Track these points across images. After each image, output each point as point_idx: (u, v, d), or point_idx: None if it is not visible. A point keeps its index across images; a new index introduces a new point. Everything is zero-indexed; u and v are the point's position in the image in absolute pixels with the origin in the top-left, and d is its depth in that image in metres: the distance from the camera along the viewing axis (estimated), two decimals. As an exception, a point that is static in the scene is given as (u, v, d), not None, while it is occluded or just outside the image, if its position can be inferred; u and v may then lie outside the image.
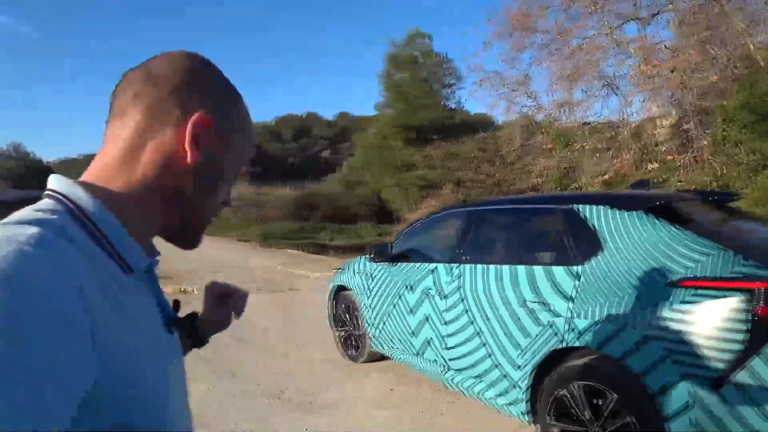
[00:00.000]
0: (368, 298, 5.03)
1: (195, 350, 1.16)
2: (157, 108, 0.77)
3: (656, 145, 13.36)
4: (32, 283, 0.53)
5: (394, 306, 4.58)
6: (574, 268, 3.05)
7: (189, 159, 0.78)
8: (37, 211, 0.66)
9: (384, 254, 4.91)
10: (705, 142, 11.74)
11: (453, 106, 25.50)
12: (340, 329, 5.74)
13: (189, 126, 0.78)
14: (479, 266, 3.71)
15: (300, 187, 31.93)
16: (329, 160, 52.65)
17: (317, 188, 30.97)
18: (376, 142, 25.17)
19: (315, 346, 6.21)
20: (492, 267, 3.60)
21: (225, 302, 1.19)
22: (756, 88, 10.41)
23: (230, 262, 14.44)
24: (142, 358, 0.67)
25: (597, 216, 3.09)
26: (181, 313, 0.97)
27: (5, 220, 0.63)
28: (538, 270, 3.26)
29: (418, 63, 24.65)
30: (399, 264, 4.71)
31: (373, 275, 5.03)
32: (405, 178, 22.47)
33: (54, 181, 0.73)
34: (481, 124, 24.99)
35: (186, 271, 11.31)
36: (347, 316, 5.57)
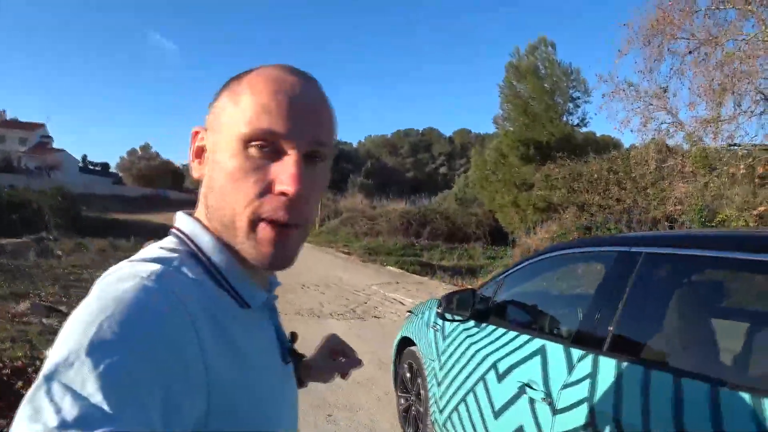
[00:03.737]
0: (438, 366, 3.46)
1: None
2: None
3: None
4: (148, 314, 0.62)
5: (472, 392, 2.96)
6: None
7: (194, 174, 0.83)
8: (161, 248, 0.77)
9: (465, 306, 3.22)
10: None
11: (577, 122, 23.91)
12: (401, 395, 4.25)
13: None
14: (640, 368, 1.94)
15: (414, 202, 31.49)
16: (446, 176, 52.21)
17: (430, 204, 30.48)
18: (494, 158, 24.10)
19: (371, 407, 4.81)
20: (688, 383, 1.75)
21: (336, 358, 1.24)
22: None
23: (324, 276, 13.26)
24: (253, 390, 0.74)
25: None
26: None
27: (134, 257, 0.74)
28: None
29: (540, 74, 23.13)
30: (486, 325, 3.08)
31: (447, 334, 3.46)
32: (522, 198, 21.20)
33: (180, 220, 0.83)
34: (607, 146, 23.19)
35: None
36: (410, 382, 4.09)
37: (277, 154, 0.75)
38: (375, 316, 9.06)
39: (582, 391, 2.11)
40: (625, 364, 2.02)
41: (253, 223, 0.76)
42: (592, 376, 2.11)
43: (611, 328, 2.17)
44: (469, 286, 4.65)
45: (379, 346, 6.71)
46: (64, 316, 7.10)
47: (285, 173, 0.74)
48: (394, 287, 12.47)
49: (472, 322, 3.20)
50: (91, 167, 67.09)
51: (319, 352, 1.24)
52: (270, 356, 0.86)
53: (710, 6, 13.49)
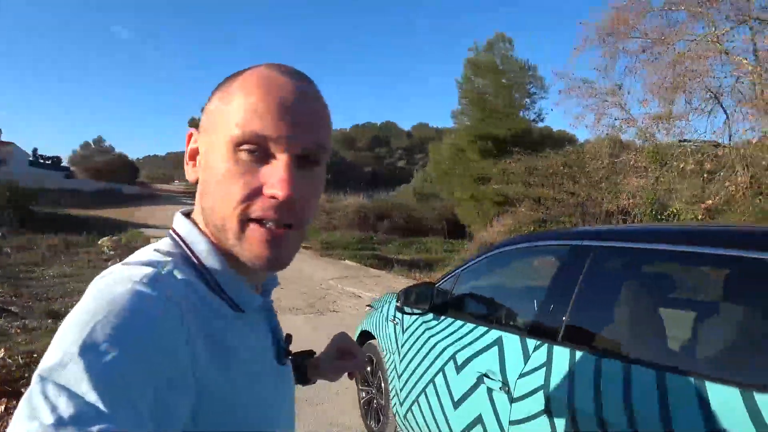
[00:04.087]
0: (398, 359, 3.50)
1: None
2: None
3: (767, 170, 11.60)
4: (141, 317, 0.63)
5: (432, 383, 3.01)
6: None
7: (189, 177, 0.83)
8: (156, 251, 0.77)
9: (423, 300, 3.25)
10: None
11: (534, 117, 24.11)
12: (362, 388, 4.27)
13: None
14: (593, 357, 2.02)
15: (372, 197, 31.38)
16: (405, 170, 52.24)
17: (388, 198, 30.40)
18: (452, 152, 24.07)
19: (333, 403, 4.82)
20: (637, 370, 1.83)
21: (345, 358, 1.24)
22: None
23: (281, 270, 13.04)
24: (245, 393, 0.75)
25: None
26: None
27: (128, 259, 0.75)
28: (734, 395, 1.53)
29: (498, 69, 23.26)
30: (444, 318, 3.13)
31: (406, 327, 3.49)
32: (480, 192, 21.18)
33: (177, 221, 0.83)
34: (562, 141, 23.52)
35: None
36: (371, 375, 4.10)
37: (267, 157, 0.74)
38: (333, 310, 9.05)
39: (538, 379, 2.18)
40: (578, 353, 2.09)
41: (243, 224, 0.75)
42: (547, 364, 2.18)
43: (565, 319, 2.24)
44: (428, 280, 4.66)
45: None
46: (15, 316, 6.92)
47: (275, 177, 0.73)
48: (351, 281, 12.45)
49: (430, 315, 3.24)
50: (42, 161, 64.95)
51: (327, 350, 1.25)
52: (264, 359, 0.87)
53: (662, 7, 13.85)
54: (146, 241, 16.56)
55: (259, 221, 0.74)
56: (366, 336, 4.24)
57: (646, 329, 2.20)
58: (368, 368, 4.11)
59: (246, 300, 0.81)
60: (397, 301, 3.36)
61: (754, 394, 1.49)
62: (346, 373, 1.27)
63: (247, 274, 0.82)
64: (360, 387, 4.33)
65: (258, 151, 0.74)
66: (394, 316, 3.71)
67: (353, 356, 1.25)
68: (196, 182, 0.82)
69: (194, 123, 0.86)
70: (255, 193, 0.74)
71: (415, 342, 3.30)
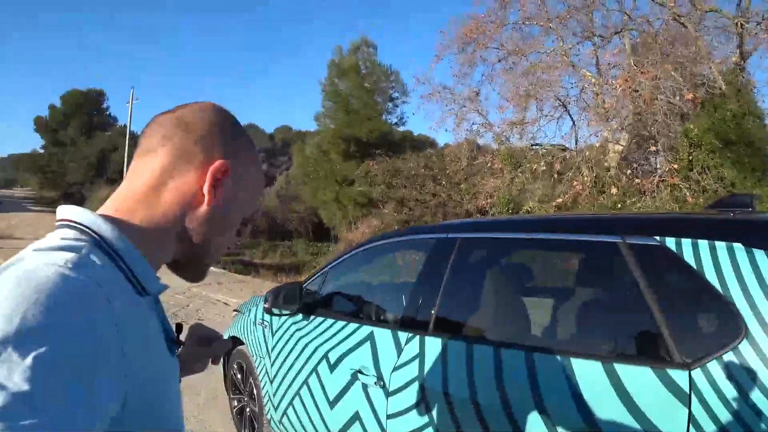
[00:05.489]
0: (269, 363, 3.40)
1: None
2: (184, 151, 0.86)
3: (608, 171, 12.67)
4: (72, 304, 0.62)
5: (306, 384, 2.96)
6: (681, 373, 1.50)
7: (206, 202, 0.87)
8: (64, 239, 0.75)
9: (292, 300, 3.17)
10: (667, 168, 10.98)
11: (396, 121, 24.65)
12: (233, 396, 4.11)
13: (210, 171, 0.86)
14: (463, 344, 2.11)
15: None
16: (267, 173, 51.62)
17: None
18: (315, 155, 24.03)
19: (198, 414, 4.63)
20: (506, 353, 1.94)
21: (205, 346, 1.22)
22: (720, 112, 9.79)
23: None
24: (157, 377, 0.79)
25: (722, 263, 1.53)
26: None
27: (37, 246, 0.72)
28: (596, 367, 1.66)
29: (361, 73, 23.56)
30: (314, 317, 3.07)
31: (275, 329, 3.39)
32: (344, 194, 21.35)
33: (68, 212, 0.80)
34: (423, 144, 24.26)
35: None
36: (242, 382, 3.97)
37: None
38: (199, 319, 8.67)
39: (412, 371, 2.21)
40: (449, 341, 2.15)
41: (215, 253, 0.95)
42: (420, 356, 2.22)
43: (434, 311, 2.30)
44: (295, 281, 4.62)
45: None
46: None
47: (240, 234, 0.88)
48: (215, 288, 12.08)
49: (300, 316, 3.19)
50: None
51: (186, 344, 1.22)
52: (162, 346, 0.87)
53: (518, 21, 14.84)
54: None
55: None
56: (234, 342, 4.11)
57: (511, 313, 2.31)
58: (239, 375, 3.98)
59: (153, 284, 0.82)
60: (264, 303, 3.27)
61: (614, 364, 1.61)
62: (210, 361, 1.25)
63: (151, 262, 0.83)
64: (231, 395, 4.17)
65: None
66: (263, 319, 3.61)
67: (214, 340, 1.24)
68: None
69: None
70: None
71: (285, 344, 3.22)
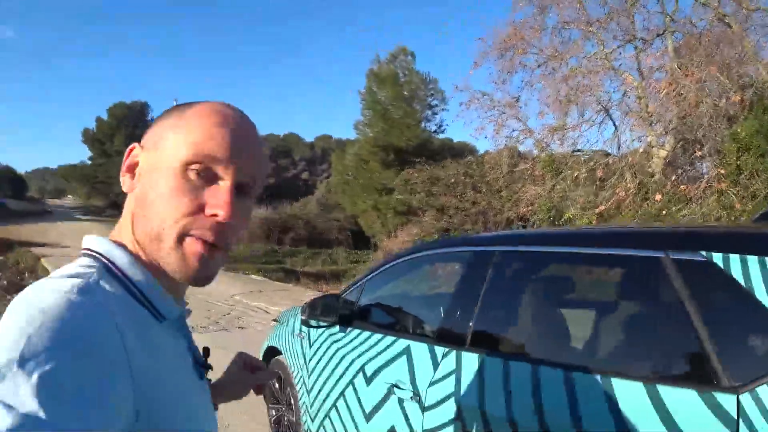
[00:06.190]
0: (307, 374, 3.39)
1: None
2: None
3: (652, 176, 12.40)
4: (76, 325, 0.64)
5: (342, 397, 2.94)
6: (728, 397, 1.41)
7: (124, 187, 0.85)
8: (79, 266, 0.77)
9: (329, 312, 3.15)
10: (714, 173, 10.69)
11: (435, 128, 24.67)
12: (271, 406, 4.13)
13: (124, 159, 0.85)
14: (500, 360, 2.07)
15: (276, 208, 30.99)
16: (308, 182, 52.03)
17: (292, 210, 30.16)
18: (354, 163, 24.21)
19: (239, 422, 4.65)
20: (544, 370, 1.89)
21: (249, 372, 1.25)
22: (768, 114, 9.53)
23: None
24: (176, 394, 0.78)
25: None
26: None
27: (52, 275, 0.75)
28: (638, 389, 1.59)
29: (399, 81, 23.62)
30: (351, 329, 3.06)
31: (313, 341, 3.39)
32: (383, 202, 21.41)
33: (90, 241, 0.84)
34: (462, 152, 24.17)
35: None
36: (280, 391, 3.97)
37: (212, 180, 0.80)
38: (240, 327, 8.81)
39: (448, 386, 2.18)
40: (486, 357, 2.11)
41: (181, 237, 0.79)
42: (457, 371, 2.18)
43: (471, 324, 2.26)
44: (333, 291, 4.58)
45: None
46: None
47: (218, 198, 0.79)
48: (257, 296, 12.20)
49: (337, 328, 3.18)
50: None
51: (229, 370, 1.26)
52: (185, 369, 0.88)
53: (556, 25, 14.62)
54: (36, 261, 15.61)
55: (196, 237, 0.79)
56: (273, 352, 4.12)
57: (550, 330, 2.26)
58: (277, 385, 4.00)
59: (167, 308, 0.82)
60: (302, 315, 3.28)
61: (657, 386, 1.55)
62: (253, 388, 1.27)
63: (167, 287, 0.83)
64: (269, 405, 4.19)
65: (205, 172, 0.79)
66: (300, 330, 3.62)
67: (259, 369, 1.27)
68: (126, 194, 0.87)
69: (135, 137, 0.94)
70: (197, 211, 0.79)
71: (323, 356, 3.22)
